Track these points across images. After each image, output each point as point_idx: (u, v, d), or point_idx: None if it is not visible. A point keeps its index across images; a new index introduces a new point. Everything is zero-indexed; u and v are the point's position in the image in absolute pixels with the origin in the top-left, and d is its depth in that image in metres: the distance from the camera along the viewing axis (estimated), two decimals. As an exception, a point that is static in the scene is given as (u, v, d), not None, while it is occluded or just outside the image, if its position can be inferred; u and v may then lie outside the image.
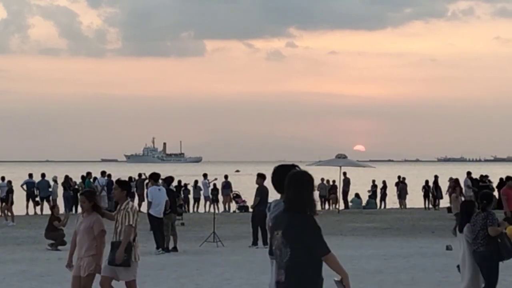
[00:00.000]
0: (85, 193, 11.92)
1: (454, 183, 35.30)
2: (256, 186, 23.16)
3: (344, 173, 42.62)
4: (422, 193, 43.26)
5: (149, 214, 21.57)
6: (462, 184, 37.05)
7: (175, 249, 21.57)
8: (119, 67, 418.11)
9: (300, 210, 6.59)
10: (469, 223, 11.78)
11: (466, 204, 12.51)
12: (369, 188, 46.25)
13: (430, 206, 42.52)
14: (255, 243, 22.57)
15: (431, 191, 42.78)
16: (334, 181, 43.51)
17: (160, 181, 22.99)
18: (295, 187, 6.64)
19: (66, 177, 39.57)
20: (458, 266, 12.15)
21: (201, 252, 21.40)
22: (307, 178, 6.71)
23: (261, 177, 23.16)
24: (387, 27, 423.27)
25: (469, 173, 39.87)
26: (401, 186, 44.68)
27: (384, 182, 45.14)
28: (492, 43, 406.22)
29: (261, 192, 22.85)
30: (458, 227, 12.04)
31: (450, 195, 28.57)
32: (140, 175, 41.55)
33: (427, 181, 43.38)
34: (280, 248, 6.64)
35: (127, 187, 11.84)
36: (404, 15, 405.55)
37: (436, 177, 42.97)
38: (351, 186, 43.60)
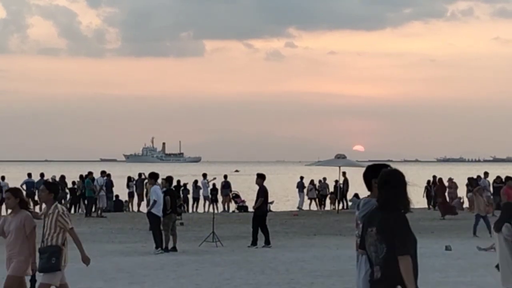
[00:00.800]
0: (10, 189, 11.27)
1: (471, 183, 34.69)
2: (257, 186, 23.14)
3: (344, 173, 42.57)
4: (424, 194, 43.19)
5: (150, 213, 21.56)
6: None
7: (174, 249, 21.55)
8: (119, 67, 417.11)
9: (393, 207, 6.63)
10: (509, 223, 11.67)
11: (507, 205, 12.50)
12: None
13: (430, 206, 42.48)
14: (254, 243, 22.55)
15: (431, 192, 42.68)
16: (336, 181, 43.22)
17: (161, 180, 22.97)
18: (388, 185, 6.69)
19: (62, 177, 39.61)
20: (497, 266, 12.08)
21: (200, 252, 21.38)
22: (400, 176, 6.75)
23: (260, 177, 23.12)
24: (386, 27, 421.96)
25: (486, 174, 39.60)
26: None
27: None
28: (492, 43, 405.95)
29: (264, 193, 22.84)
30: (495, 227, 11.98)
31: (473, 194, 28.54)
32: (140, 175, 41.60)
33: (429, 181, 43.31)
34: (375, 245, 6.67)
35: (55, 190, 10.90)
36: (404, 15, 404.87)
37: (434, 177, 42.91)
38: (350, 186, 43.54)
